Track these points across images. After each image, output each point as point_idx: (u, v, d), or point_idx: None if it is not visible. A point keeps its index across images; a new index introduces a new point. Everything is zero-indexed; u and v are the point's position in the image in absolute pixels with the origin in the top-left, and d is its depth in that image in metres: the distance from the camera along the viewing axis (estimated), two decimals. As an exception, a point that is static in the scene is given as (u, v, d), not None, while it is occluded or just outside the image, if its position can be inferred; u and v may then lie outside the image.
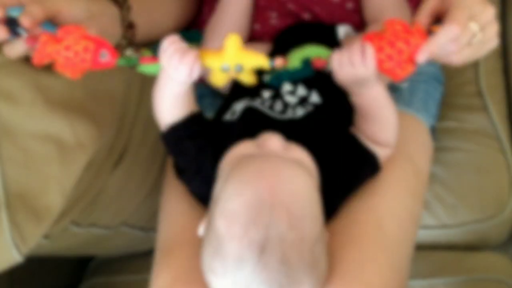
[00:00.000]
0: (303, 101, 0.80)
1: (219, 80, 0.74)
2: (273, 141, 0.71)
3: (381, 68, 0.71)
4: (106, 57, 0.71)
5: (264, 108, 0.80)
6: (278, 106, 0.80)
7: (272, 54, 0.86)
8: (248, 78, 0.75)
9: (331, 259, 0.71)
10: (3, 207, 0.70)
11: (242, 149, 0.72)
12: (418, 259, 0.90)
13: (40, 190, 0.73)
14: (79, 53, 0.70)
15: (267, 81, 0.80)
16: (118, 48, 0.74)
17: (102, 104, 0.83)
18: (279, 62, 0.74)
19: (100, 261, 1.27)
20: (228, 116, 0.82)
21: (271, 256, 0.63)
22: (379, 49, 0.69)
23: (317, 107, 0.79)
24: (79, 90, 0.80)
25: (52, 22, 0.73)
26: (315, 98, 0.80)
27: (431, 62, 1.01)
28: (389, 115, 0.76)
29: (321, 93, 0.81)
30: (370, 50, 0.69)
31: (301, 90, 0.81)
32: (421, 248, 0.97)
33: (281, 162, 0.68)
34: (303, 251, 0.64)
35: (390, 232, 0.78)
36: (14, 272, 0.78)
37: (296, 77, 0.77)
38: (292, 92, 0.81)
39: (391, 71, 0.71)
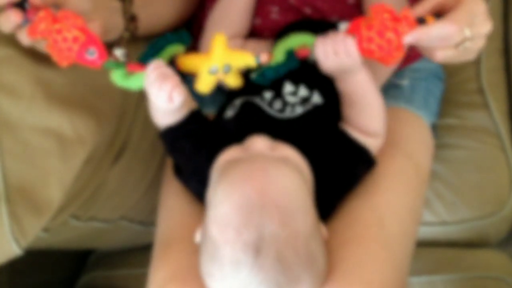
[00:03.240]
0: (304, 101, 0.80)
1: (206, 84, 0.73)
2: (258, 142, 0.72)
3: (372, 57, 0.71)
4: (94, 56, 0.71)
5: (263, 104, 0.79)
6: (277, 104, 0.79)
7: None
8: (233, 80, 0.74)
9: (332, 257, 0.71)
10: (2, 200, 0.70)
11: (229, 154, 0.72)
12: (417, 256, 0.90)
13: (40, 184, 0.73)
14: (67, 40, 0.70)
15: (252, 79, 0.78)
16: (115, 44, 0.72)
17: (102, 99, 0.83)
18: (264, 58, 0.74)
19: (99, 255, 1.27)
20: (228, 112, 0.81)
21: (267, 256, 0.63)
22: (369, 40, 0.70)
23: (316, 107, 0.79)
24: (80, 85, 0.80)
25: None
26: (316, 98, 0.80)
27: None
28: (374, 100, 0.76)
29: (323, 94, 0.80)
30: (351, 42, 0.70)
31: (303, 91, 0.81)
32: (421, 245, 0.97)
33: (266, 162, 0.68)
34: (298, 247, 0.64)
35: (391, 230, 0.78)
36: (14, 265, 0.78)
37: (281, 72, 0.76)
38: (294, 93, 0.81)
39: (382, 59, 0.72)
